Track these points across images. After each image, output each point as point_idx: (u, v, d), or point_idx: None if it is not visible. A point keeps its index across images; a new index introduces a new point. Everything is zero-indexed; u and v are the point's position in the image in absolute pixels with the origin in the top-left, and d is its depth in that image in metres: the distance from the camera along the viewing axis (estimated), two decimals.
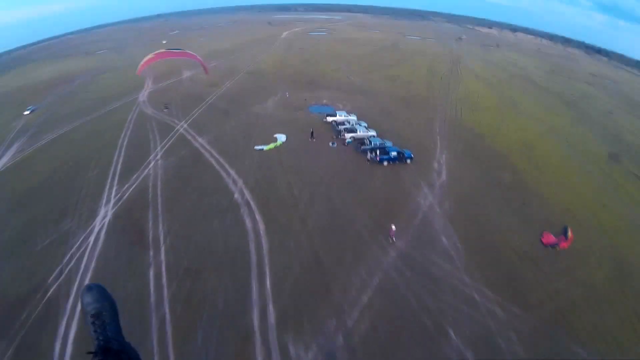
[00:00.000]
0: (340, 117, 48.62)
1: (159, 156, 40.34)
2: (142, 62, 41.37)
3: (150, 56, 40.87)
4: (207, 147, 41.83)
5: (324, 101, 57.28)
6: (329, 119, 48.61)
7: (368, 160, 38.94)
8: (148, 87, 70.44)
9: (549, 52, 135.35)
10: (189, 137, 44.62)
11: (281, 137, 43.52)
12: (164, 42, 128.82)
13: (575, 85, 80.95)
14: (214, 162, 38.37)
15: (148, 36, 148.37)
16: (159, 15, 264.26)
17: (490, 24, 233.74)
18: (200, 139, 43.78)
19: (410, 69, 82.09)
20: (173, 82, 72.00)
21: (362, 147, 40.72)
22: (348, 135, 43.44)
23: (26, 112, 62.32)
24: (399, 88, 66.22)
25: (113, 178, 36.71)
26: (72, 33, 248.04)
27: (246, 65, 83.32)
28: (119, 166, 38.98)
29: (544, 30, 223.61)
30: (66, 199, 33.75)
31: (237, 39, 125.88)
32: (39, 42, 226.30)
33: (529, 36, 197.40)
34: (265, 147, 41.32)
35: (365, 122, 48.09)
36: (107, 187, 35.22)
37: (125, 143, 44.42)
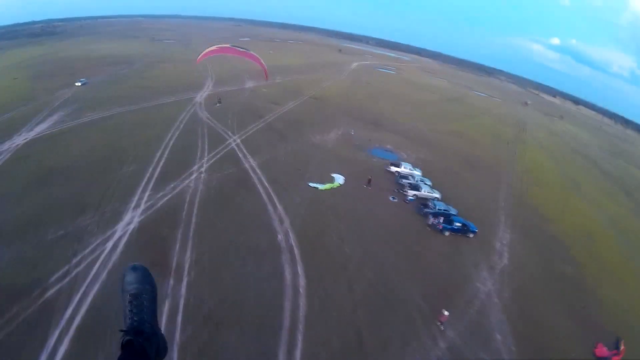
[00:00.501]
0: (404, 169, 44.63)
1: (203, 168, 37.15)
2: (203, 52, 39.46)
3: (212, 48, 39.06)
4: (257, 170, 38.22)
5: (388, 146, 53.24)
6: (393, 169, 44.66)
7: (429, 225, 34.77)
8: (208, 89, 69.02)
9: (609, 131, 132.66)
10: (240, 155, 41.36)
11: (339, 178, 39.46)
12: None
13: (635, 172, 76.69)
14: (261, 191, 34.61)
15: (217, 37, 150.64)
16: (231, 19, 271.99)
17: (554, 92, 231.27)
18: (251, 160, 40.35)
19: (476, 127, 77.42)
20: (234, 90, 70.26)
21: (425, 210, 36.73)
22: (411, 193, 39.39)
23: (77, 84, 62.72)
24: (464, 146, 61.47)
25: (149, 181, 33.72)
26: (143, 16, 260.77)
27: (311, 89, 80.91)
28: (158, 169, 36.07)
29: (605, 107, 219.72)
30: (92, 191, 30.95)
31: (305, 60, 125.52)
32: (109, 16, 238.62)
33: (591, 111, 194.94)
34: (321, 187, 37.24)
35: (429, 178, 44.29)
36: (140, 190, 32.15)
37: (170, 144, 41.87)
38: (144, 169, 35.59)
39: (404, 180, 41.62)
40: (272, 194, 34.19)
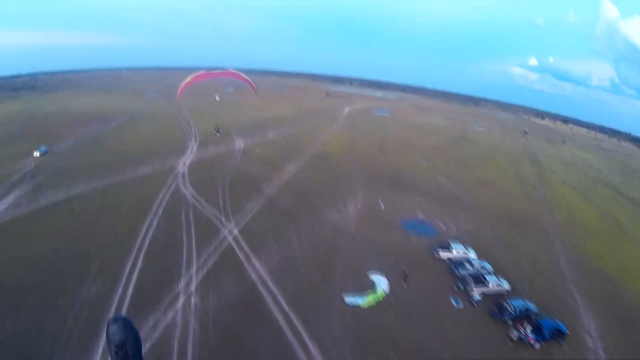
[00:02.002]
0: (456, 252, 34.73)
1: (193, 286, 26.39)
2: (181, 86, 35.66)
3: (188, 79, 34.97)
4: (269, 283, 27.32)
5: (420, 215, 43.26)
6: (442, 254, 34.58)
7: (511, 339, 25.55)
8: (191, 152, 59.09)
9: (608, 148, 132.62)
10: (241, 256, 30.49)
11: (380, 282, 28.96)
12: (217, 98, 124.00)
13: None
14: (281, 321, 23.72)
15: (200, 87, 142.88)
16: (214, 68, 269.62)
17: (542, 114, 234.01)
18: (257, 264, 29.48)
19: (496, 170, 69.47)
20: (223, 153, 60.38)
21: (503, 316, 27.34)
22: (477, 291, 29.46)
23: (36, 154, 53.84)
24: (498, 201, 52.52)
25: (118, 311, 23.51)
26: (126, 68, 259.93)
27: (310, 144, 71.39)
28: (130, 289, 25.82)
29: (593, 121, 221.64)
30: (42, 330, 21.79)
31: (295, 108, 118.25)
32: (91, 69, 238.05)
33: (582, 128, 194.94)
34: (362, 301, 26.59)
35: (481, 255, 35.63)
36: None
37: (146, 243, 31.42)
38: (111, 288, 25.57)
39: (461, 272, 31.98)
40: (297, 325, 23.43)
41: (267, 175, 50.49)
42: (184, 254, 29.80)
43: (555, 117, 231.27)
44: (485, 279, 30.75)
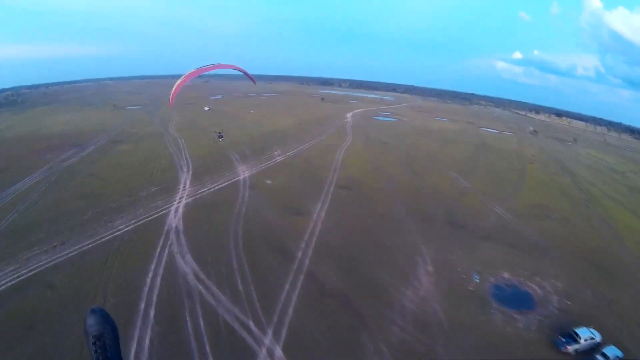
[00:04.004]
0: (584, 340, 25.12)
1: None
2: (173, 91, 33.87)
3: (179, 81, 33.37)
4: None
5: (505, 274, 32.24)
6: (570, 348, 24.54)
7: None
8: (184, 188, 47.14)
9: (614, 144, 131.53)
10: None
11: None
12: (206, 108, 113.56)
13: None
14: None
15: (186, 95, 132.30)
16: (201, 75, 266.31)
17: (536, 109, 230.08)
18: None
19: (539, 187, 60.21)
20: (225, 186, 48.59)
21: None
22: None
23: None
24: (563, 232, 43.07)
25: None
26: (111, 79, 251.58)
27: (328, 167, 59.60)
28: None
29: (585, 112, 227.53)
30: None
31: (294, 118, 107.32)
32: (76, 81, 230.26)
33: (579, 122, 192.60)
34: None
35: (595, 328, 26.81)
36: None
37: None
38: None
39: None
40: None
41: (291, 225, 38.52)
42: None
43: (548, 110, 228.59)
44: None
